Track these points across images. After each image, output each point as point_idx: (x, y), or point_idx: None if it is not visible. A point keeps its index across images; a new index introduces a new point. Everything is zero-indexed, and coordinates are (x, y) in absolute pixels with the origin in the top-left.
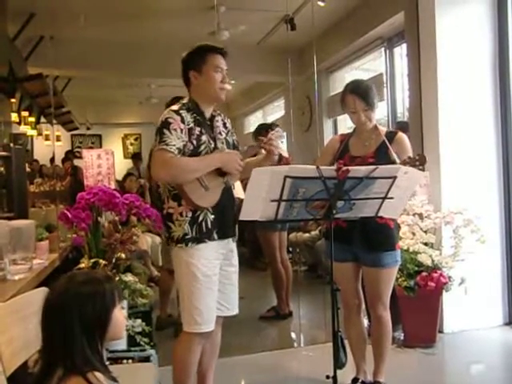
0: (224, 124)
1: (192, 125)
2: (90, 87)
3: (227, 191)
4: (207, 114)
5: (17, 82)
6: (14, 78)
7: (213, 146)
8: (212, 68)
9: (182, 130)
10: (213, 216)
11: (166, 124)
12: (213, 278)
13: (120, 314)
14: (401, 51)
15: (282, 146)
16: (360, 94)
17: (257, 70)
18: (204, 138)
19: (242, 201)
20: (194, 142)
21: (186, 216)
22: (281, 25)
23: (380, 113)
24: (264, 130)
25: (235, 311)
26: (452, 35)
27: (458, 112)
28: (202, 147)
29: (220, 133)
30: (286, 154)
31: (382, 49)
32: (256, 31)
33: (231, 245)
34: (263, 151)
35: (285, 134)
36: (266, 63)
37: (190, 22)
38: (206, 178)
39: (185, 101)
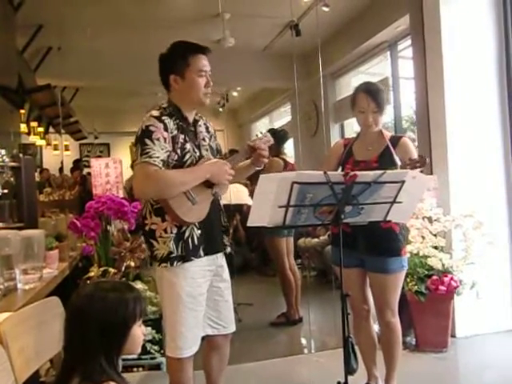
0: (207, 128)
1: (175, 132)
2: (98, 97)
3: (214, 203)
4: (190, 119)
5: (26, 94)
6: (23, 90)
7: (198, 154)
8: (195, 72)
9: (165, 139)
10: (199, 231)
11: (147, 133)
12: (198, 298)
13: (139, 331)
14: (406, 54)
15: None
16: (372, 94)
17: (263, 75)
18: (188, 146)
19: (249, 207)
20: (179, 151)
21: (171, 232)
22: (286, 31)
23: (387, 116)
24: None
25: (232, 329)
26: (458, 37)
27: (466, 115)
28: (187, 156)
29: (204, 139)
30: (291, 161)
31: (388, 52)
32: (261, 37)
33: (220, 260)
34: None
35: (292, 139)
36: (271, 69)
37: (196, 30)
38: (193, 190)
39: (165, 105)
